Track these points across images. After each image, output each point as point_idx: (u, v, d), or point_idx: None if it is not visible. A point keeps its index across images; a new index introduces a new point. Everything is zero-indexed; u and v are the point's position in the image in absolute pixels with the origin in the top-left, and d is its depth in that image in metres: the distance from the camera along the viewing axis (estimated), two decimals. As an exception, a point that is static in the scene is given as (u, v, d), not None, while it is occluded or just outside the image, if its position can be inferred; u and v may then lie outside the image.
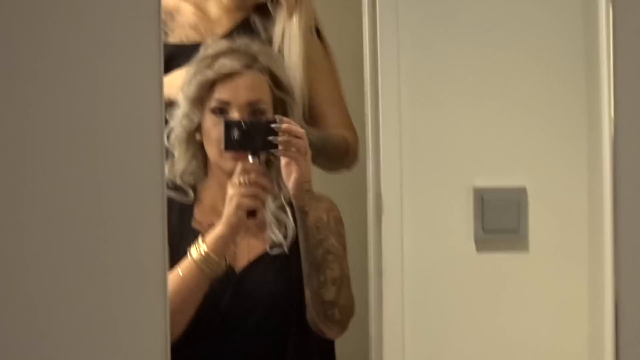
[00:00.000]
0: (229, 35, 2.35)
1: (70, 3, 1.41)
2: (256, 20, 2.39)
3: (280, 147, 2.09)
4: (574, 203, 1.94)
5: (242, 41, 2.25)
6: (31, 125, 1.40)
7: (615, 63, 1.75)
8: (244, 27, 2.39)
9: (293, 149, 2.10)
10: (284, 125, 2.09)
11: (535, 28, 1.95)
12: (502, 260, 1.96)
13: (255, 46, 2.23)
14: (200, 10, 2.43)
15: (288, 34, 2.35)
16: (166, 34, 2.38)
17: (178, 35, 2.38)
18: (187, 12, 2.42)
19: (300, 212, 2.14)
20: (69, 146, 1.42)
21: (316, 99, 2.36)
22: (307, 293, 2.15)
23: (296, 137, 2.10)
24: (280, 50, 2.35)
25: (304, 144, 2.10)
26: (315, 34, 2.39)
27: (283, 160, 2.13)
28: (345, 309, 2.16)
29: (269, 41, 2.34)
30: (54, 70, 1.41)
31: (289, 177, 2.13)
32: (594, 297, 1.89)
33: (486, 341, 1.95)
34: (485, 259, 1.95)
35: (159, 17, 1.45)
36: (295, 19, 2.35)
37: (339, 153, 2.34)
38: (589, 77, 1.91)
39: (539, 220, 1.95)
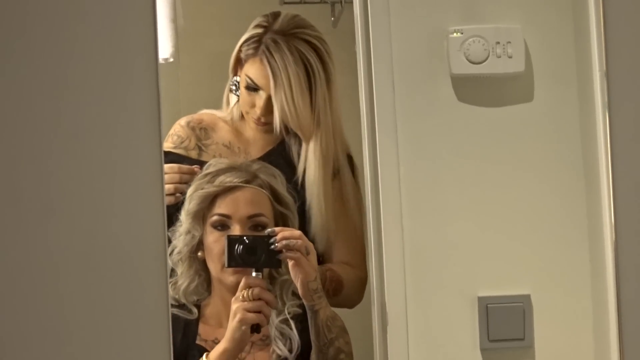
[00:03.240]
0: (263, 156, 2.40)
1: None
2: (291, 143, 2.43)
3: (282, 252, 2.11)
4: (579, 310, 1.94)
5: (243, 161, 2.29)
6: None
7: (614, 168, 1.78)
8: (278, 150, 2.42)
9: (293, 252, 2.11)
10: (279, 235, 2.11)
11: (534, 138, 1.97)
12: (509, 370, 1.95)
13: (255, 165, 2.27)
14: (235, 129, 2.46)
15: (304, 156, 2.39)
16: (200, 150, 2.41)
17: (212, 152, 2.41)
18: (222, 131, 2.46)
19: (310, 311, 2.15)
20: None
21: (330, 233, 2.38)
22: None
23: (294, 238, 2.11)
24: (304, 174, 2.38)
25: (303, 244, 2.12)
26: (347, 163, 2.42)
27: (290, 263, 2.13)
28: None
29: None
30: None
31: (296, 278, 2.14)
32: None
33: None
34: (492, 369, 1.95)
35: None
36: (312, 146, 2.38)
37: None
38: (588, 184, 1.93)
39: (544, 328, 1.95)
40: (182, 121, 2.45)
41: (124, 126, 1.53)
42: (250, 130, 2.45)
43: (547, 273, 1.96)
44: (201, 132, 2.43)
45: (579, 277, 1.94)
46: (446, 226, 1.96)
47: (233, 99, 2.46)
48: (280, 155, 2.40)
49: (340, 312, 2.24)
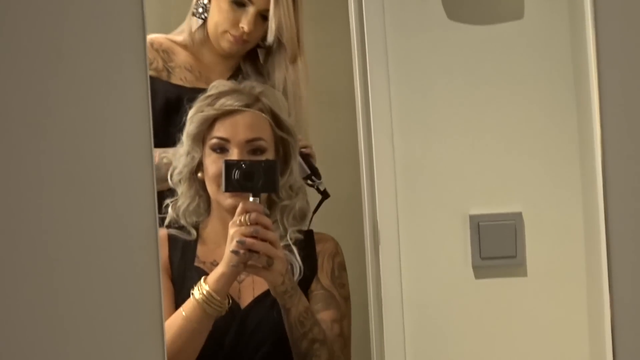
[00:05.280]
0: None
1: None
2: (248, 68, 2.45)
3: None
4: (570, 226, 1.94)
5: (246, 83, 2.28)
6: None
7: (603, 85, 1.77)
8: (236, 74, 2.44)
9: (254, 266, 2.07)
10: (253, 215, 2.06)
11: (525, 55, 1.95)
12: (500, 286, 1.96)
13: (258, 88, 2.26)
14: (193, 54, 2.48)
15: (292, 79, 2.40)
16: (169, 72, 2.42)
17: (178, 75, 2.43)
18: (181, 55, 2.47)
19: (283, 309, 2.13)
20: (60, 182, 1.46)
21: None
22: None
23: (265, 227, 2.06)
24: (285, 95, 2.40)
25: (264, 254, 2.05)
26: None
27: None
28: None
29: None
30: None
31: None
32: (594, 319, 1.89)
33: (487, 367, 1.96)
34: (483, 286, 1.95)
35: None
36: (299, 64, 2.39)
37: None
38: (579, 101, 1.91)
39: (536, 245, 1.95)
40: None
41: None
42: (210, 55, 2.47)
43: (539, 190, 1.95)
44: (164, 54, 2.45)
45: (570, 194, 1.94)
46: (437, 145, 1.95)
47: (195, 23, 2.46)
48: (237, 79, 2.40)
49: (333, 231, 2.25)
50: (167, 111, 2.35)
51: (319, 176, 2.36)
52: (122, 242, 1.50)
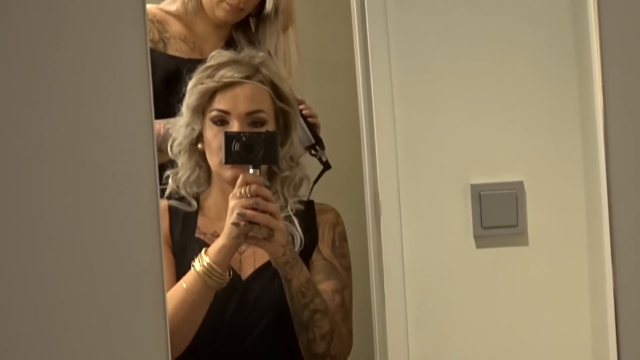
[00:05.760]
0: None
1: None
2: (240, 37, 2.44)
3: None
4: (571, 195, 1.94)
5: (246, 52, 2.27)
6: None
7: (605, 53, 1.76)
8: (228, 44, 2.43)
9: (255, 237, 2.06)
10: (253, 187, 2.05)
11: (526, 25, 1.94)
12: (502, 255, 1.96)
13: (258, 58, 2.25)
14: (186, 25, 2.47)
15: (283, 47, 2.39)
16: (165, 44, 2.41)
17: (174, 46, 2.42)
18: (175, 26, 2.46)
19: (284, 280, 2.13)
20: (61, 151, 1.46)
21: None
22: (300, 345, 2.16)
23: (265, 199, 2.05)
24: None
25: (266, 226, 2.05)
26: None
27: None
28: (338, 356, 2.17)
29: None
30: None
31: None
32: (595, 289, 1.89)
33: (488, 336, 1.95)
34: (485, 255, 1.95)
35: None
36: (291, 32, 2.39)
37: None
38: (580, 69, 1.91)
39: (537, 214, 1.95)
40: None
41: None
42: (203, 25, 2.46)
43: (540, 159, 1.95)
44: (159, 25, 2.44)
45: (572, 162, 1.93)
46: (438, 114, 1.94)
47: None
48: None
49: (334, 201, 2.25)
50: (167, 82, 2.34)
51: (322, 146, 2.35)
52: (123, 213, 1.50)
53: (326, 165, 2.35)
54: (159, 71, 2.35)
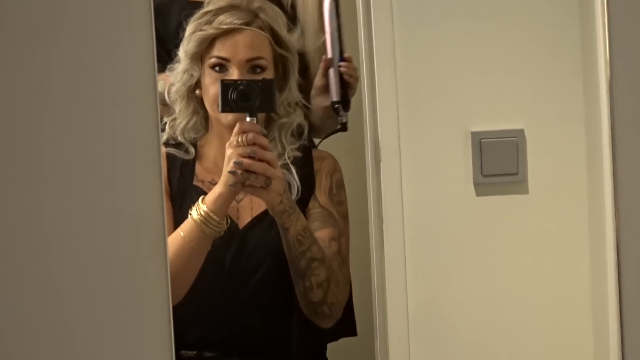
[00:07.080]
0: None
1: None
2: None
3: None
4: (572, 144, 1.94)
5: None
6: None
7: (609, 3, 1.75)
8: None
9: (252, 185, 2.05)
10: (250, 135, 2.04)
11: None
12: (502, 203, 1.96)
13: (256, 2, 2.22)
14: None
15: None
16: None
17: None
18: None
19: (281, 228, 2.12)
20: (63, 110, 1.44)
21: None
22: (296, 293, 2.16)
23: (262, 147, 2.04)
24: (294, 9, 2.36)
25: (263, 174, 2.04)
26: None
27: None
28: (335, 304, 2.17)
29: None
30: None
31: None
32: (595, 236, 1.89)
33: (488, 283, 1.95)
34: (485, 203, 1.95)
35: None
36: None
37: None
38: (583, 16, 1.90)
39: (537, 162, 1.95)
40: None
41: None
42: None
43: (541, 107, 1.94)
44: None
45: (573, 110, 1.93)
46: (440, 60, 1.93)
47: None
48: None
49: (334, 148, 2.24)
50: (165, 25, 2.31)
51: (346, 108, 2.32)
52: (123, 164, 1.49)
53: (343, 127, 2.31)
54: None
